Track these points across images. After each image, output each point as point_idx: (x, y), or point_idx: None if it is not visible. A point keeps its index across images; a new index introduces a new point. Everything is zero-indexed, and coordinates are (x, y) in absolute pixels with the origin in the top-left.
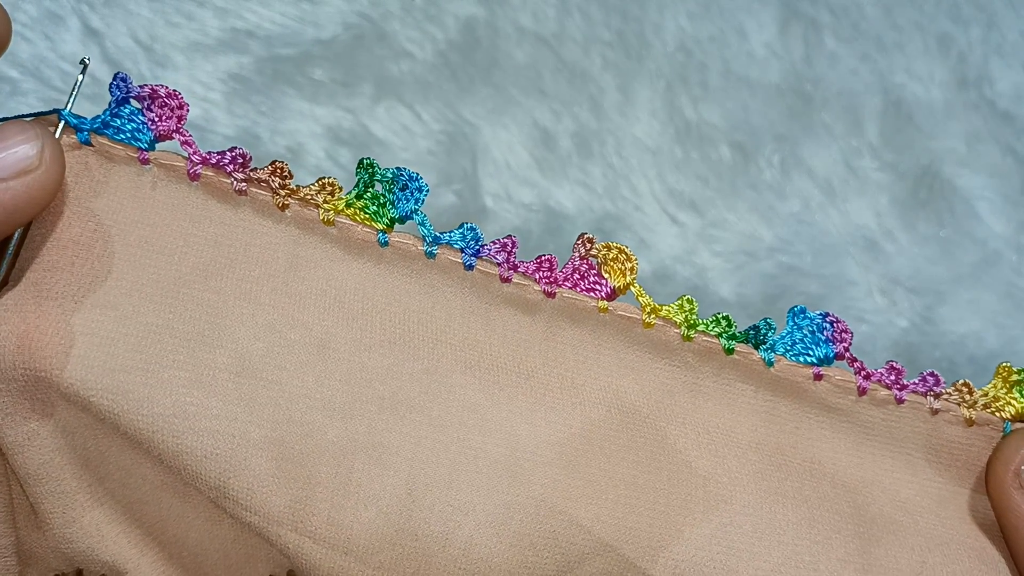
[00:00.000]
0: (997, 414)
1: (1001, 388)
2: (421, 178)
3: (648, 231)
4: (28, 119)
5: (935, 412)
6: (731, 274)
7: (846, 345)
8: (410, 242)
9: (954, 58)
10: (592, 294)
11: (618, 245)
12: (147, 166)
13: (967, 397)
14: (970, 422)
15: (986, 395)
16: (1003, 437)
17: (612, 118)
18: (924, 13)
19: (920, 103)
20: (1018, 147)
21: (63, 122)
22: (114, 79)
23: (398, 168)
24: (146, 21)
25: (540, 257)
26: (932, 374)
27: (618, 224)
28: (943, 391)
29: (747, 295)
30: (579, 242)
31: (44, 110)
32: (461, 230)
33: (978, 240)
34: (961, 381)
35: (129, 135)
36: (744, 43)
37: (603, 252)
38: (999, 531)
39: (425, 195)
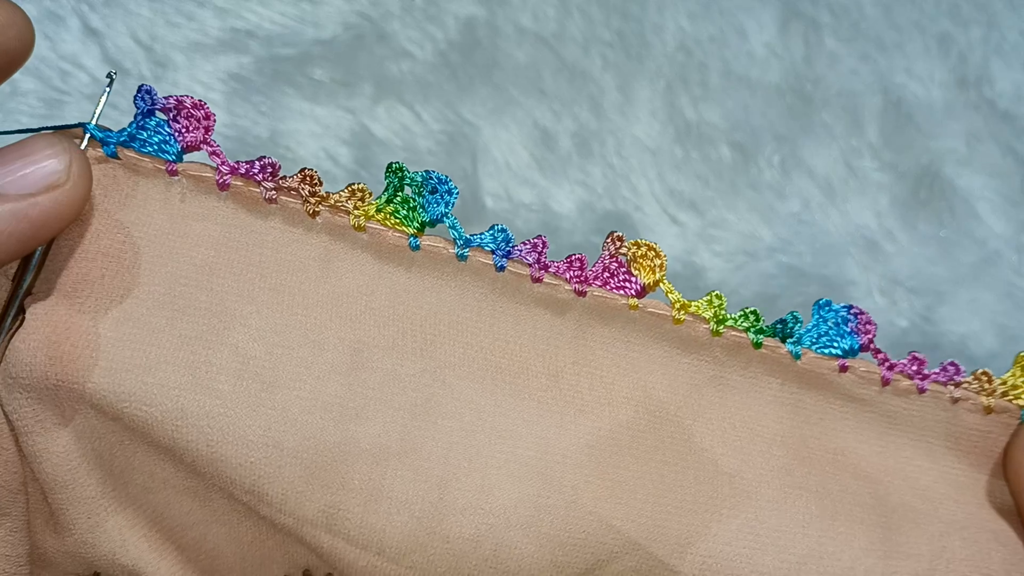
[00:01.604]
0: (1015, 402)
1: (1019, 377)
2: (450, 181)
3: (648, 231)
4: (53, 132)
5: (955, 401)
6: (731, 274)
7: (870, 337)
8: (441, 245)
9: (954, 58)
10: (622, 292)
11: (647, 242)
12: (175, 178)
13: (986, 386)
14: (989, 410)
15: (1004, 384)
16: (1020, 424)
17: (612, 118)
18: (924, 13)
19: (920, 103)
20: (1018, 147)
21: (89, 135)
22: (139, 91)
23: (427, 171)
24: (146, 21)
25: (571, 256)
26: (952, 363)
27: (618, 224)
28: (963, 380)
29: (747, 295)
30: (608, 240)
31: (57, 116)
32: (492, 232)
33: (978, 240)
34: (981, 370)
35: (156, 147)
36: (744, 43)
37: (632, 250)
38: (1016, 514)
39: (455, 198)
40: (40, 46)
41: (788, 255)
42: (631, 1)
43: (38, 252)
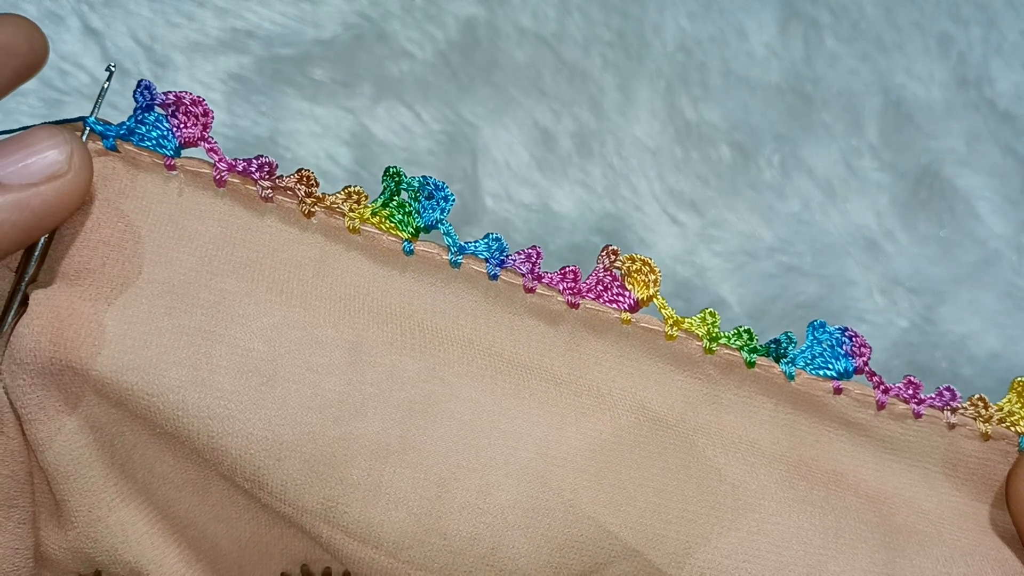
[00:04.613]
0: (1012, 428)
1: (1016, 403)
2: (447, 187)
3: (648, 231)
4: (54, 124)
5: (952, 427)
6: (731, 274)
7: (865, 359)
8: (435, 251)
9: (954, 58)
10: (615, 305)
11: (642, 257)
12: (173, 172)
13: (983, 412)
14: (986, 436)
15: (1001, 410)
16: (1020, 452)
17: (612, 118)
18: (924, 13)
19: (920, 103)
20: (1018, 147)
21: (88, 129)
22: (138, 86)
23: (424, 176)
24: (146, 21)
25: (564, 268)
26: (948, 388)
27: (618, 224)
28: (959, 405)
29: (747, 295)
30: (603, 253)
31: (57, 116)
32: (486, 240)
33: (978, 240)
34: (977, 396)
35: (154, 142)
36: (744, 43)
37: (627, 264)
38: (1020, 544)
39: (451, 205)
40: None
41: (788, 255)
42: (631, 1)
43: (41, 242)
